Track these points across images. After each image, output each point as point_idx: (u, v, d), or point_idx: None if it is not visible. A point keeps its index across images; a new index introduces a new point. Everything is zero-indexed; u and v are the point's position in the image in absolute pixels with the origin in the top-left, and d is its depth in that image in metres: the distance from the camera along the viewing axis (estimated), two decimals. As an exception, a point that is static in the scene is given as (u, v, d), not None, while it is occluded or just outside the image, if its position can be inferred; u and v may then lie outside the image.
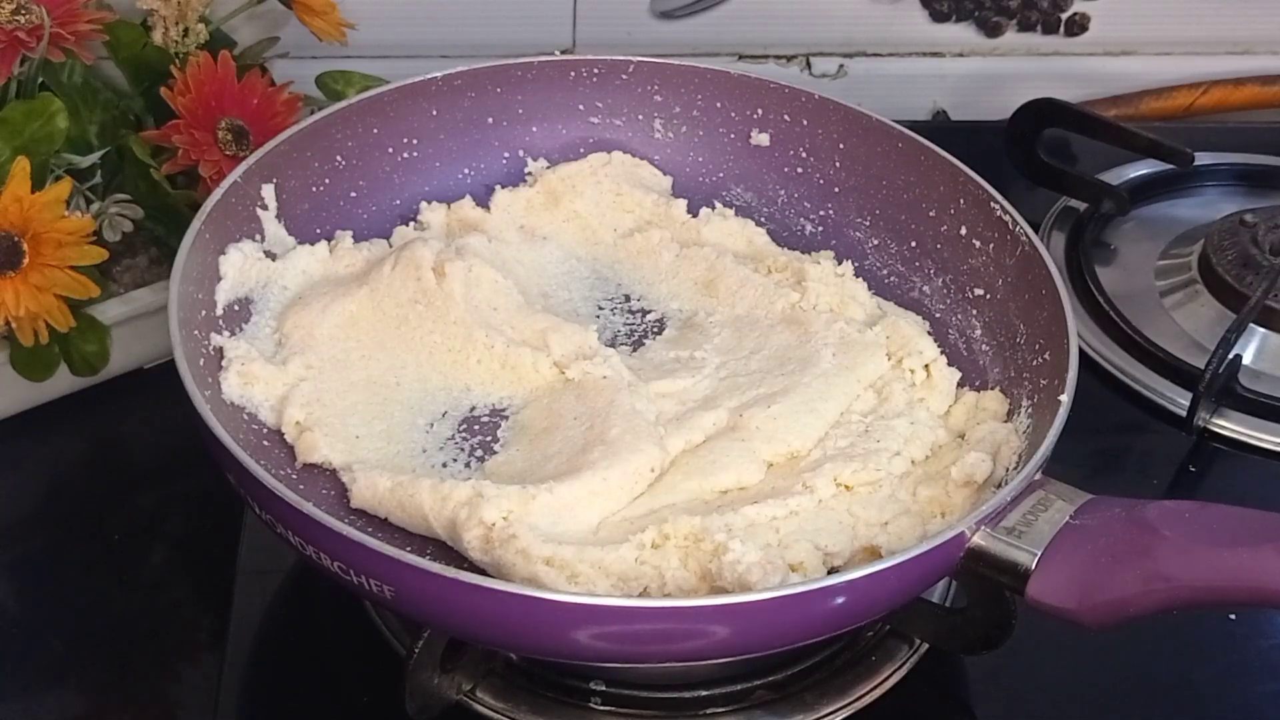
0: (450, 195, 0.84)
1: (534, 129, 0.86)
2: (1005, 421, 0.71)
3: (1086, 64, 1.11)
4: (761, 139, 0.86)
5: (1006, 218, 0.76)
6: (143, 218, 0.81)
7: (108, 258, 0.76)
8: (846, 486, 0.68)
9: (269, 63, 0.91)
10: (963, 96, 1.11)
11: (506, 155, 0.86)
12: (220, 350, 0.71)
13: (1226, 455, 0.84)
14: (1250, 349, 0.88)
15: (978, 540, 0.60)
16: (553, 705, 0.67)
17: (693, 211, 0.85)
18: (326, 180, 0.80)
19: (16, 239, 0.73)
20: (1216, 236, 0.93)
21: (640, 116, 0.87)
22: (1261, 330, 0.88)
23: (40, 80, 0.79)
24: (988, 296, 0.77)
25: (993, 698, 0.71)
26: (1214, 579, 0.57)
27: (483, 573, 0.63)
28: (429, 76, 0.83)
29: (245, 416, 0.70)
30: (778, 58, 1.08)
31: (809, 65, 1.09)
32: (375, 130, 0.82)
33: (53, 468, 0.82)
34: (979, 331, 0.77)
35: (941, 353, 0.76)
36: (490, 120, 0.85)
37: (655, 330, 0.80)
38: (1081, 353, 0.71)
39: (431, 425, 0.72)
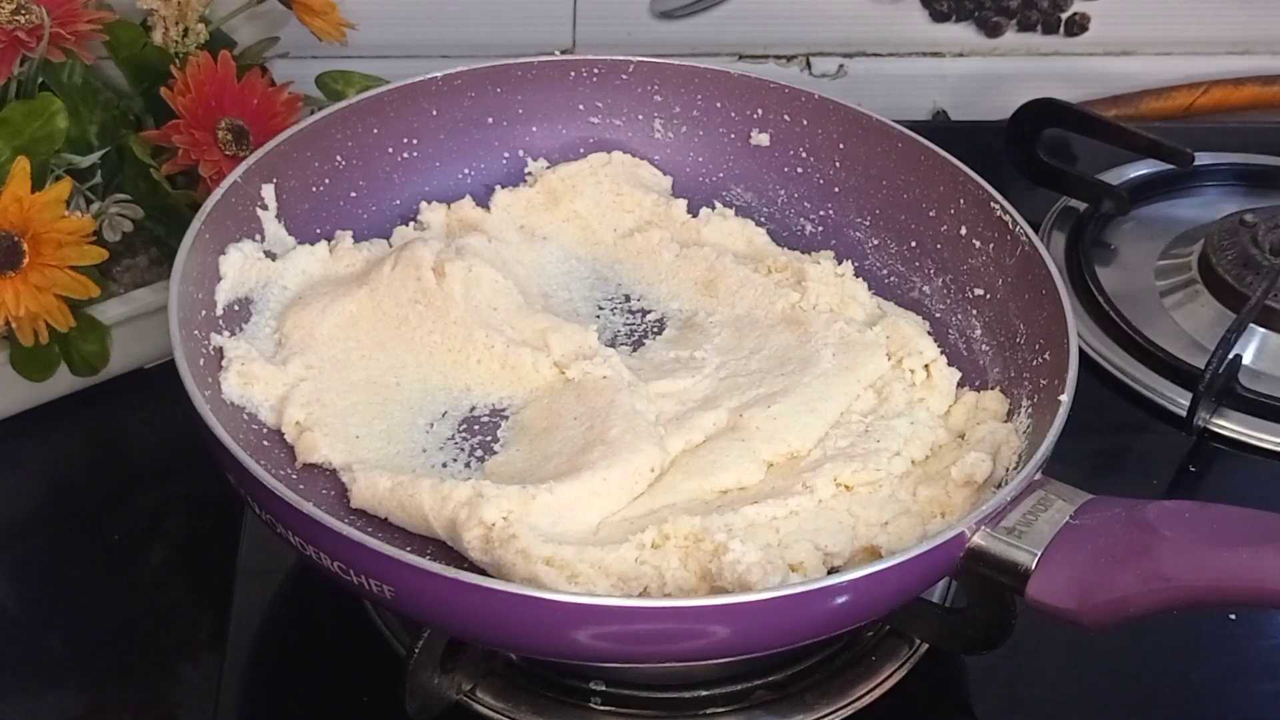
0: (450, 195, 0.84)
1: (534, 129, 0.86)
2: (1005, 421, 0.71)
3: (1086, 64, 1.11)
4: (761, 139, 0.86)
5: (1006, 218, 0.76)
6: (143, 218, 0.81)
7: (108, 258, 0.76)
8: (846, 486, 0.68)
9: (269, 63, 0.91)
10: (963, 96, 1.11)
11: (506, 155, 0.86)
12: (220, 350, 0.71)
13: (1226, 455, 0.84)
14: (1250, 349, 0.88)
15: (978, 540, 0.60)
16: (553, 705, 0.67)
17: (693, 211, 0.85)
18: (326, 180, 0.80)
19: (16, 239, 0.73)
20: (1216, 236, 0.93)
21: (640, 116, 0.87)
22: (1261, 330, 0.88)
23: (40, 80, 0.79)
24: (988, 296, 0.77)
25: (993, 698, 0.71)
26: (1214, 579, 0.57)
27: (483, 573, 0.63)
28: (429, 76, 0.83)
29: (245, 416, 0.70)
30: (778, 58, 1.08)
31: (809, 65, 1.09)
32: (375, 130, 0.82)
33: (53, 468, 0.82)
34: (979, 331, 0.77)
35: (941, 353, 0.76)
36: (490, 120, 0.85)
37: (655, 330, 0.80)
38: (1081, 353, 0.71)
39: (431, 425, 0.72)
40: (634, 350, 0.78)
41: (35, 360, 0.79)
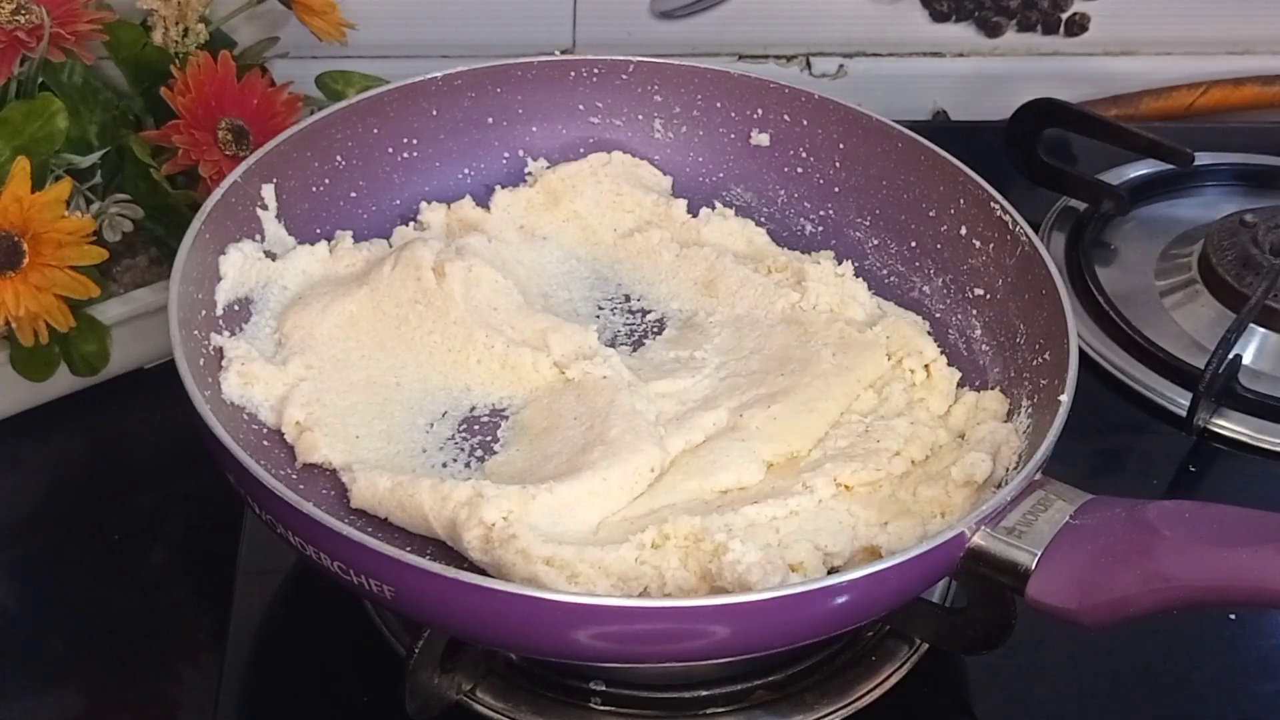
0: (450, 195, 0.84)
1: (534, 129, 0.86)
2: (1005, 421, 0.71)
3: (1086, 64, 1.11)
4: (761, 139, 0.86)
5: (1006, 218, 0.76)
6: (143, 218, 0.81)
7: (108, 258, 0.76)
8: (846, 486, 0.68)
9: (269, 63, 0.91)
10: (963, 96, 1.11)
11: (506, 155, 0.86)
12: (220, 350, 0.71)
13: (1226, 455, 0.84)
14: (1250, 349, 0.88)
15: (978, 540, 0.60)
16: (553, 705, 0.67)
17: (693, 211, 0.85)
18: (326, 180, 0.80)
19: (16, 239, 0.73)
20: (1216, 236, 0.93)
21: (640, 116, 0.87)
22: (1261, 330, 0.88)
23: (40, 80, 0.79)
24: (988, 296, 0.77)
25: (993, 698, 0.71)
26: (1214, 579, 0.57)
27: (483, 573, 0.63)
28: (429, 76, 0.83)
29: (245, 416, 0.70)
30: (778, 58, 1.08)
31: (809, 65, 1.09)
32: (375, 130, 0.82)
33: (53, 468, 0.82)
34: (979, 331, 0.77)
35: (941, 353, 0.76)
36: (490, 120, 0.85)
37: (655, 330, 0.80)
38: (1081, 353, 0.71)
39: (431, 425, 0.72)
40: (634, 350, 0.78)
41: (35, 360, 0.79)
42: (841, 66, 1.09)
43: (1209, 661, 0.73)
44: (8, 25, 0.76)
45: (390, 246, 0.81)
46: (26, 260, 0.73)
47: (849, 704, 0.68)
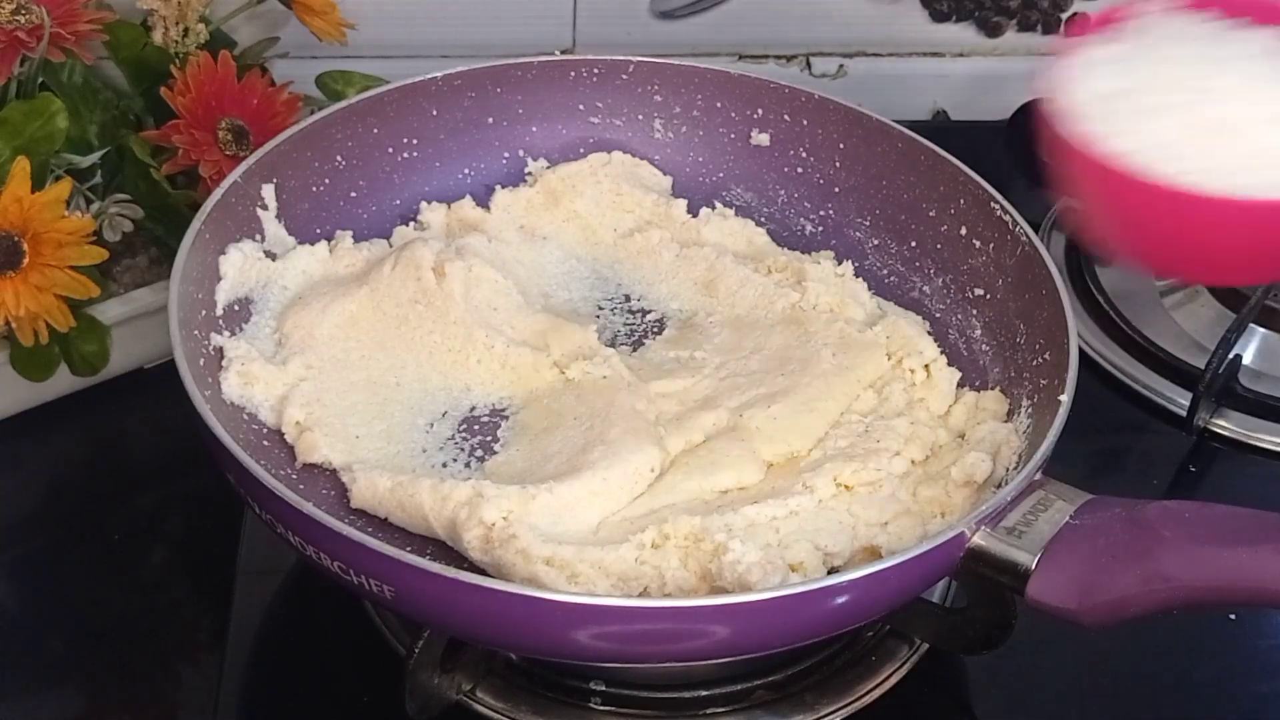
0: (450, 195, 0.84)
1: (534, 129, 0.86)
2: (1005, 421, 0.71)
3: (1086, 64, 1.11)
4: (761, 139, 0.86)
5: (1006, 218, 0.76)
6: (143, 218, 0.81)
7: (108, 258, 0.76)
8: (846, 486, 0.68)
9: (269, 63, 0.91)
10: (963, 96, 1.10)
11: (506, 155, 0.86)
12: (220, 350, 0.71)
13: (1226, 455, 0.84)
14: (1250, 349, 0.88)
15: (978, 540, 0.60)
16: (553, 705, 0.67)
17: (693, 211, 0.85)
18: (326, 180, 0.80)
19: (16, 239, 0.73)
20: (1216, 236, 0.93)
21: (640, 116, 0.87)
22: (1261, 330, 0.88)
23: (40, 80, 0.79)
24: (988, 296, 0.77)
25: (993, 698, 0.71)
26: (1214, 579, 0.57)
27: (483, 573, 0.63)
28: (429, 76, 0.83)
29: (245, 416, 0.70)
30: (778, 58, 1.08)
31: (809, 65, 1.09)
32: (375, 130, 0.82)
33: (53, 468, 0.82)
34: (979, 331, 0.77)
35: (941, 353, 0.76)
36: (490, 120, 0.85)
37: (655, 330, 0.80)
38: (1081, 353, 0.71)
39: (431, 425, 0.72)
40: (634, 350, 0.78)
41: (35, 360, 0.79)
42: (841, 66, 1.09)
43: (1209, 661, 0.73)
44: (8, 25, 0.76)
45: (390, 246, 0.81)
46: (26, 260, 0.73)
47: (849, 704, 0.68)
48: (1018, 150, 0.99)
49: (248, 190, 0.75)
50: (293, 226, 0.78)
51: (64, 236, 0.74)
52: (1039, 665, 0.71)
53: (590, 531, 0.66)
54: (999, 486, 0.66)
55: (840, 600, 0.58)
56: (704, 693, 0.68)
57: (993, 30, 1.08)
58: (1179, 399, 0.85)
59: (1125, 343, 0.89)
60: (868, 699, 0.68)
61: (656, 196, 0.85)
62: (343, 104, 0.81)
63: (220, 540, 0.74)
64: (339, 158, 0.81)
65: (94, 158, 0.81)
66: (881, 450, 0.69)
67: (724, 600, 0.59)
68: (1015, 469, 0.67)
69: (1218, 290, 0.91)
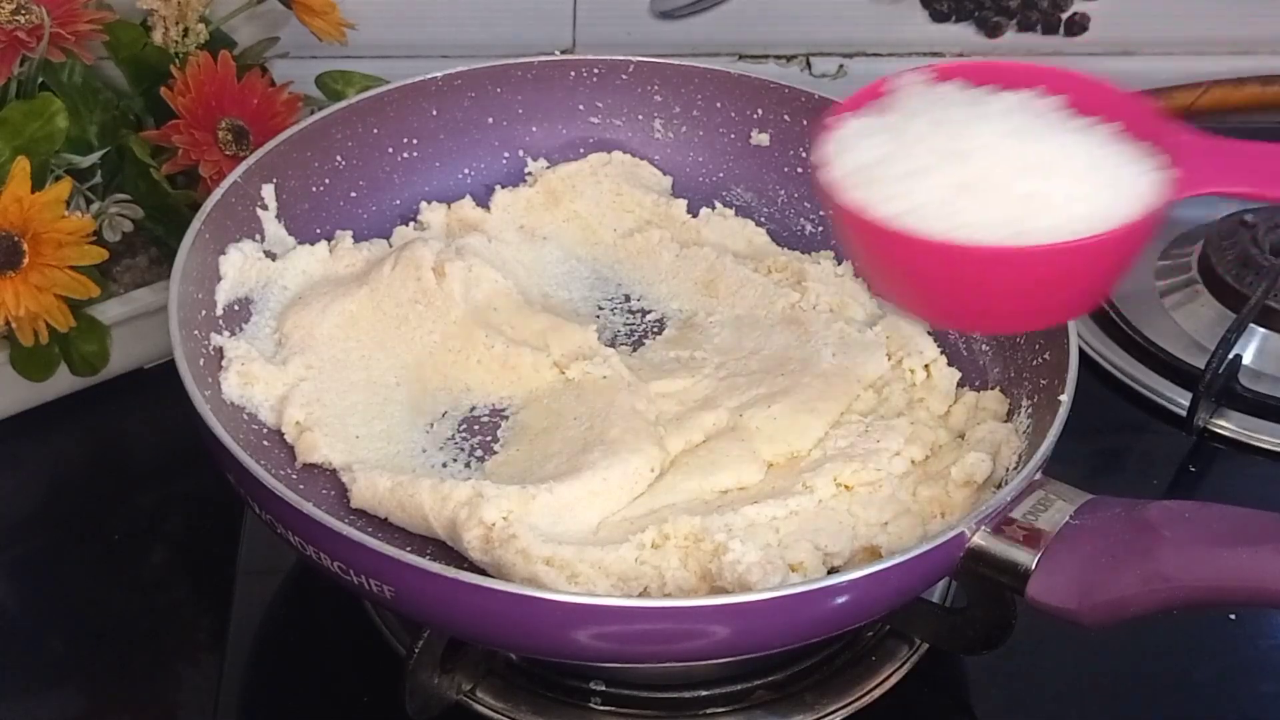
0: (450, 195, 0.84)
1: (534, 129, 0.86)
2: (1005, 421, 0.71)
3: (1086, 64, 1.10)
4: (761, 139, 0.86)
5: (1006, 218, 0.76)
6: (143, 218, 0.81)
7: (108, 258, 0.76)
8: (846, 486, 0.68)
9: (269, 63, 0.91)
10: (963, 96, 1.10)
11: (506, 155, 0.86)
12: (220, 350, 0.71)
13: (1226, 455, 0.84)
14: (1250, 349, 0.88)
15: (978, 540, 0.60)
16: (553, 705, 0.67)
17: (693, 211, 0.85)
18: (326, 180, 0.80)
19: (16, 239, 0.73)
20: (1216, 236, 0.93)
21: (640, 116, 0.87)
22: (1261, 330, 0.88)
23: (40, 80, 0.79)
24: (988, 296, 0.77)
25: (993, 698, 0.71)
26: (1214, 579, 0.57)
27: (483, 573, 0.63)
28: (429, 76, 0.83)
29: (245, 416, 0.70)
30: (778, 58, 1.08)
31: (809, 65, 1.08)
32: (375, 130, 0.82)
33: (53, 468, 0.82)
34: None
35: (941, 353, 0.76)
36: (490, 120, 0.85)
37: (655, 330, 0.80)
38: (1081, 353, 0.71)
39: (431, 425, 0.72)
40: (634, 350, 0.78)
41: (35, 360, 0.79)
42: (841, 66, 1.08)
43: (1209, 661, 0.73)
44: (8, 25, 0.76)
45: (390, 246, 0.81)
46: (26, 260, 0.73)
47: (849, 704, 0.68)
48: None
49: (248, 190, 0.75)
50: (293, 226, 0.78)
51: (64, 236, 0.74)
52: (1039, 665, 0.71)
53: (590, 531, 0.66)
54: (999, 486, 0.66)
55: (840, 600, 0.58)
56: (704, 693, 0.68)
57: (993, 30, 1.08)
58: (1179, 399, 0.85)
59: (1125, 343, 0.89)
60: (868, 699, 0.68)
61: (656, 196, 0.85)
62: (343, 104, 0.81)
63: (220, 540, 0.74)
64: (339, 158, 0.81)
65: (94, 158, 0.81)
66: (881, 450, 0.69)
67: (724, 600, 0.59)
68: (1015, 469, 0.67)
69: (1218, 290, 0.91)
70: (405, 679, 0.62)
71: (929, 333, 0.77)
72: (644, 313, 0.81)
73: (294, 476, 0.69)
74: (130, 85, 0.85)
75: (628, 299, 0.82)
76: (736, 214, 0.86)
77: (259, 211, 0.76)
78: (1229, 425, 0.85)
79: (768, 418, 0.71)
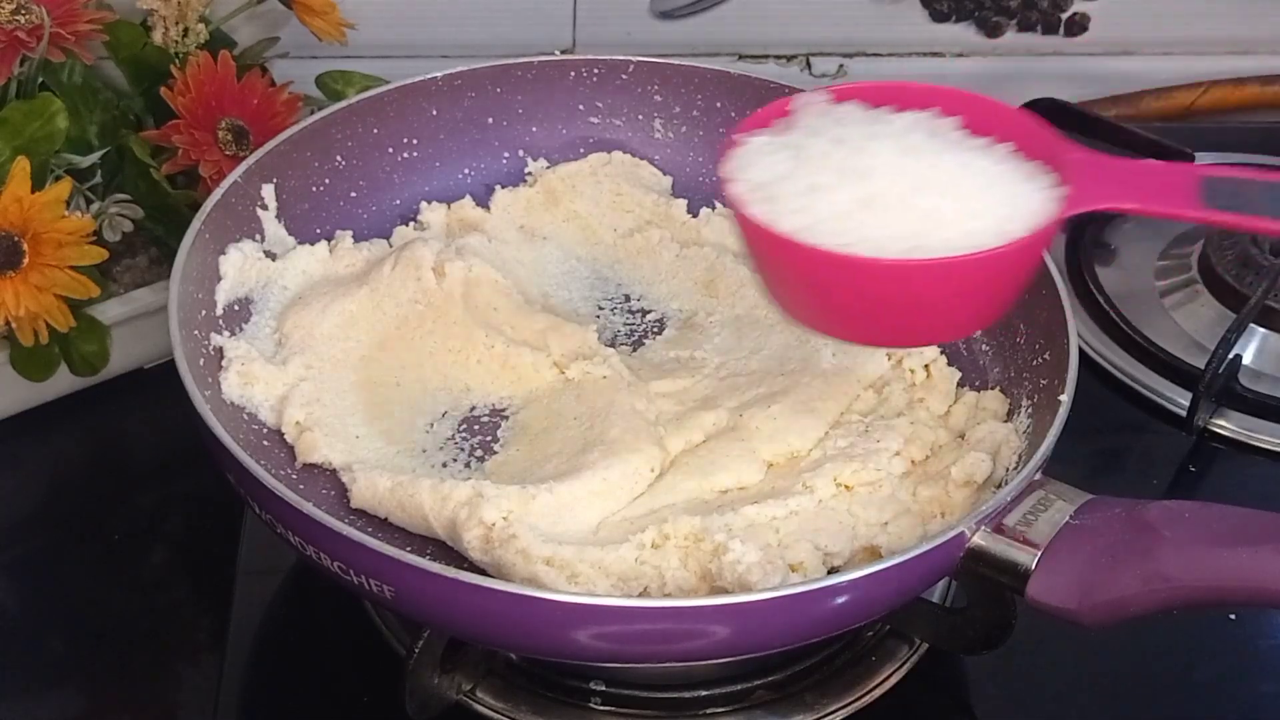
0: (450, 195, 0.84)
1: (534, 129, 0.86)
2: (1005, 421, 0.71)
3: (1086, 64, 1.10)
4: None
5: (1006, 218, 0.76)
6: (143, 218, 0.81)
7: (108, 258, 0.76)
8: (846, 486, 0.68)
9: (269, 63, 0.91)
10: (963, 96, 1.10)
11: (506, 155, 0.86)
12: (220, 350, 0.71)
13: (1226, 455, 0.84)
14: (1250, 349, 0.88)
15: (978, 540, 0.60)
16: (553, 705, 0.67)
17: (693, 211, 0.85)
18: (326, 180, 0.80)
19: (16, 239, 0.73)
20: (1216, 236, 0.93)
21: (640, 116, 0.87)
22: (1261, 330, 0.88)
23: (40, 80, 0.79)
24: (988, 296, 0.77)
25: (993, 698, 0.71)
26: (1214, 579, 0.57)
27: (483, 573, 0.63)
28: (429, 76, 0.83)
29: (245, 416, 0.70)
30: (778, 58, 1.08)
31: (809, 65, 1.08)
32: (375, 130, 0.82)
33: (53, 468, 0.82)
34: (979, 331, 0.77)
35: (941, 353, 0.76)
36: (490, 120, 0.85)
37: (655, 330, 0.80)
38: (1081, 353, 0.71)
39: (431, 425, 0.72)
40: (634, 350, 0.78)
41: (35, 360, 0.79)
42: (841, 66, 1.08)
43: (1209, 661, 0.73)
44: (8, 25, 0.76)
45: (390, 246, 0.81)
46: (26, 260, 0.73)
47: (849, 704, 0.68)
48: (1018, 150, 0.99)
49: (248, 190, 0.75)
50: (293, 226, 0.78)
51: (64, 236, 0.74)
52: (1039, 665, 0.71)
53: (590, 531, 0.66)
54: (999, 486, 0.66)
55: (840, 600, 0.58)
56: (704, 693, 0.68)
57: (993, 30, 1.08)
58: (1179, 399, 0.85)
59: (1125, 343, 0.89)
60: (868, 699, 0.68)
61: (656, 196, 0.85)
62: (343, 104, 0.81)
63: (220, 540, 0.74)
64: (339, 158, 0.81)
65: (94, 158, 0.81)
66: (881, 450, 0.69)
67: (724, 600, 0.59)
68: (1015, 469, 0.67)
69: (1218, 290, 0.91)
70: (405, 679, 0.62)
71: (929, 333, 0.77)
72: (644, 313, 0.81)
73: (294, 476, 0.69)
74: (130, 85, 0.85)
75: (628, 299, 0.82)
76: (736, 214, 0.86)
77: (259, 211, 0.76)
78: (1229, 425, 0.85)
79: (768, 417, 0.71)
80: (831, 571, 0.64)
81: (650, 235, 0.83)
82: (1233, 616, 0.75)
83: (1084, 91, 1.09)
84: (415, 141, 0.84)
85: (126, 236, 0.80)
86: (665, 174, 0.87)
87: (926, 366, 0.75)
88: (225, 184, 0.74)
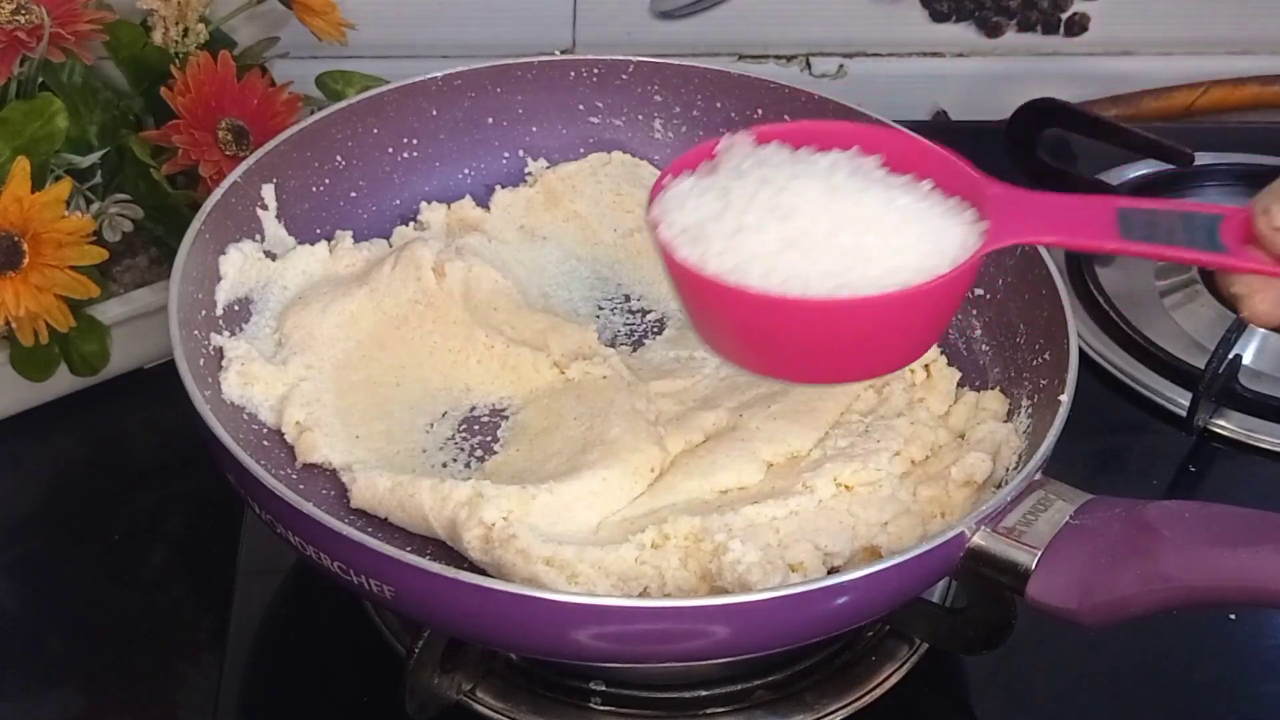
0: (450, 195, 0.84)
1: (534, 129, 0.86)
2: (1005, 421, 0.71)
3: (1086, 64, 1.11)
4: (761, 139, 0.86)
5: (1006, 218, 0.76)
6: (143, 218, 0.81)
7: (108, 258, 0.76)
8: (846, 486, 0.68)
9: (269, 63, 0.91)
10: (963, 96, 1.10)
11: (506, 155, 0.86)
12: (220, 350, 0.71)
13: (1226, 455, 0.84)
14: (1250, 349, 0.88)
15: (978, 540, 0.60)
16: (553, 705, 0.67)
17: (693, 211, 0.85)
18: (326, 180, 0.80)
19: (16, 239, 0.73)
20: (1216, 236, 0.93)
21: (640, 116, 0.87)
22: (1261, 330, 0.88)
23: (40, 80, 0.79)
24: (988, 296, 0.77)
25: (993, 698, 0.71)
26: (1214, 579, 0.57)
27: (483, 573, 0.63)
28: (429, 76, 0.83)
29: (245, 416, 0.70)
30: (778, 58, 1.08)
31: (809, 65, 1.09)
32: (375, 130, 0.82)
33: (53, 468, 0.82)
34: (979, 331, 0.77)
35: (941, 353, 0.76)
36: (490, 120, 0.85)
37: (655, 330, 0.80)
38: (1081, 353, 0.71)
39: (431, 425, 0.72)
40: (634, 350, 0.78)
41: (35, 360, 0.79)
42: (841, 66, 1.09)
43: (1209, 661, 0.73)
44: (8, 25, 0.76)
45: (390, 246, 0.81)
46: (26, 260, 0.73)
47: (849, 704, 0.68)
48: (1017, 150, 0.99)
49: (248, 190, 0.75)
50: (293, 226, 0.78)
51: (64, 236, 0.74)
52: (1039, 665, 0.71)
53: (590, 531, 0.66)
54: (999, 486, 0.66)
55: (840, 600, 0.58)
56: (704, 693, 0.68)
57: (993, 30, 1.08)
58: (1179, 399, 0.85)
59: (1125, 343, 0.89)
60: (868, 699, 0.68)
61: (656, 196, 0.85)
62: (343, 104, 0.81)
63: (220, 540, 0.74)
64: (339, 158, 0.81)
65: (94, 158, 0.81)
66: (881, 450, 0.69)
67: (724, 600, 0.59)
68: (1015, 469, 0.67)
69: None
70: (405, 679, 0.62)
71: (929, 333, 0.77)
72: (644, 313, 0.81)
73: (294, 476, 0.69)
74: (130, 85, 0.85)
75: (628, 299, 0.82)
76: (736, 214, 0.85)
77: (259, 211, 0.76)
78: (1229, 425, 0.85)
79: (768, 417, 0.71)
80: (831, 572, 0.64)
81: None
82: (1233, 616, 0.75)
83: (1084, 91, 1.09)
84: (415, 141, 0.84)
85: (126, 236, 0.80)
86: (665, 174, 0.87)
87: (926, 367, 0.75)
88: (225, 184, 0.74)
